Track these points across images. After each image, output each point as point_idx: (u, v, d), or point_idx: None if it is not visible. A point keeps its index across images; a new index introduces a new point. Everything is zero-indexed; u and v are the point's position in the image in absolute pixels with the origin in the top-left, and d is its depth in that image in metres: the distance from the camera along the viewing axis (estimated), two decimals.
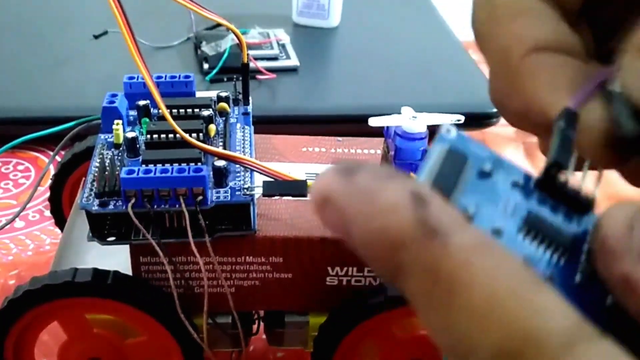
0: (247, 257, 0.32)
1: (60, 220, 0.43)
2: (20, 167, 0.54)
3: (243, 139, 0.35)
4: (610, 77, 0.15)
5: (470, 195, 0.14)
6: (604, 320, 0.13)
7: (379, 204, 0.12)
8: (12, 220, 0.37)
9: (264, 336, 0.37)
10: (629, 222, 0.14)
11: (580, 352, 0.11)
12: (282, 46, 0.65)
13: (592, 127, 0.15)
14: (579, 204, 0.15)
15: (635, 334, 0.13)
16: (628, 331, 0.13)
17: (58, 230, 0.44)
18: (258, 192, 0.31)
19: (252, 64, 0.59)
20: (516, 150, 0.59)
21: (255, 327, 0.36)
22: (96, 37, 0.63)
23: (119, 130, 0.33)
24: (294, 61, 0.63)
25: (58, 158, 0.43)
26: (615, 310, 0.14)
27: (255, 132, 0.37)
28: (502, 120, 0.56)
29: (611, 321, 0.14)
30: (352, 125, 0.52)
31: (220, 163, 0.31)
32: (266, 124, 0.48)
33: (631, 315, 0.13)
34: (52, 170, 0.44)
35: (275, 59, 0.63)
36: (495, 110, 0.55)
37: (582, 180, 0.15)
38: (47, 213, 0.44)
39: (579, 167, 0.16)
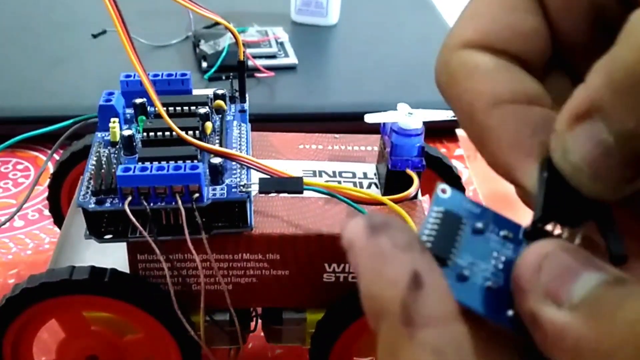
0: (244, 254, 0.32)
1: (58, 218, 0.43)
2: (19, 167, 0.54)
3: (240, 137, 0.35)
4: None
5: (465, 254, 0.15)
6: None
7: (383, 275, 0.14)
8: (10, 219, 0.37)
9: (262, 333, 0.37)
10: (538, 262, 0.14)
11: None
12: (281, 44, 0.65)
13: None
14: None
15: None
16: None
17: (57, 229, 0.44)
18: (254, 189, 0.31)
19: (250, 62, 0.60)
20: None
21: (253, 324, 0.36)
22: (95, 36, 0.63)
23: (116, 128, 0.33)
24: (292, 59, 0.63)
25: (56, 156, 0.43)
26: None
27: (254, 130, 0.37)
28: None
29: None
30: (351, 122, 0.51)
31: (216, 160, 0.31)
32: (265, 122, 0.49)
33: (539, 349, 0.14)
34: (51, 169, 0.44)
35: (273, 57, 0.63)
36: None
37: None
38: (47, 212, 0.44)
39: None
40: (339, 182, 0.35)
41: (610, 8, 0.17)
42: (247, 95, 0.38)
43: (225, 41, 0.60)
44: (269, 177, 0.31)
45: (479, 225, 0.16)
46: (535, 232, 0.16)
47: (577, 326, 0.13)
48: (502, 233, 0.16)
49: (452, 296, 0.14)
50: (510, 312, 0.15)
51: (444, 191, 0.16)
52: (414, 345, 0.13)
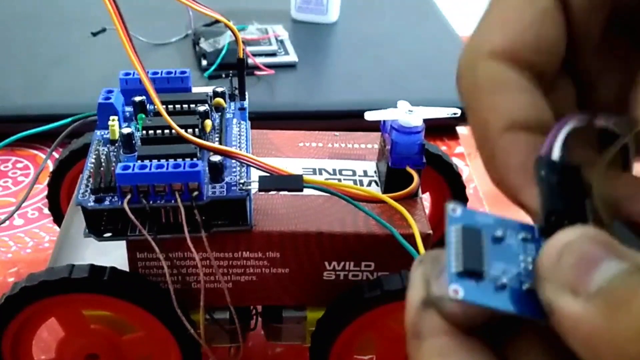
0: (244, 252, 0.32)
1: (58, 217, 0.43)
2: (19, 165, 0.54)
3: (239, 134, 0.35)
4: (572, 121, 0.17)
5: (495, 263, 0.16)
6: None
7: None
8: (9, 217, 0.37)
9: (262, 331, 0.37)
10: (559, 251, 0.14)
11: None
12: (281, 42, 0.65)
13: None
14: None
15: None
16: None
17: (57, 228, 0.44)
18: (254, 187, 0.31)
19: (250, 60, 0.59)
20: None
21: (253, 322, 0.36)
22: (94, 34, 0.63)
23: (115, 126, 0.33)
24: (292, 57, 0.63)
25: (56, 155, 0.43)
26: None
27: (254, 128, 0.37)
28: None
29: None
30: (351, 120, 0.51)
31: (216, 158, 0.31)
32: (265, 120, 0.49)
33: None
34: (50, 168, 0.44)
35: (273, 54, 0.63)
36: None
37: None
38: (46, 210, 0.44)
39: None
40: (339, 180, 0.35)
41: (626, 6, 0.17)
42: (246, 93, 0.38)
43: (225, 39, 0.60)
44: (268, 175, 0.31)
45: (499, 233, 0.16)
46: (550, 227, 0.16)
47: (592, 316, 0.13)
48: (520, 236, 0.16)
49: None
50: None
51: (454, 210, 0.16)
52: (422, 352, 0.15)
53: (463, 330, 0.15)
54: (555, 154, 0.16)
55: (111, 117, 0.33)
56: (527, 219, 0.17)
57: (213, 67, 0.59)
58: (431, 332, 0.16)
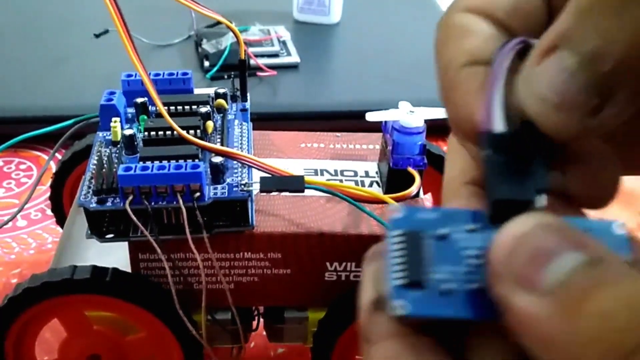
0: (246, 253, 0.32)
1: (61, 218, 0.43)
2: (22, 167, 0.54)
3: (241, 136, 0.35)
4: (505, 61, 0.16)
5: (440, 266, 0.15)
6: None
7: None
8: (12, 218, 0.37)
9: (263, 332, 0.37)
10: (511, 244, 0.13)
11: None
12: (283, 43, 0.65)
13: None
14: None
15: None
16: None
17: (59, 229, 0.44)
18: (256, 188, 0.31)
19: (252, 61, 0.60)
20: None
21: (255, 323, 0.36)
22: (97, 35, 0.63)
23: (117, 128, 0.33)
24: (294, 58, 0.63)
25: (58, 156, 0.43)
26: None
27: (256, 129, 0.37)
28: None
29: None
30: (353, 121, 0.51)
31: (218, 159, 0.31)
32: (267, 121, 0.49)
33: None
34: (53, 169, 0.44)
35: (275, 55, 0.63)
36: None
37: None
38: (49, 212, 0.45)
39: None
40: (341, 181, 0.35)
41: None
42: (248, 94, 0.38)
43: (228, 40, 0.60)
44: (270, 175, 0.31)
45: (442, 230, 0.15)
46: (499, 213, 0.15)
47: (547, 315, 0.12)
48: (467, 227, 0.15)
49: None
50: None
51: (396, 212, 0.15)
52: (370, 356, 0.15)
53: (415, 330, 0.15)
54: (498, 123, 0.15)
55: (113, 119, 0.33)
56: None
57: (215, 69, 0.59)
58: (380, 335, 0.15)
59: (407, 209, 0.15)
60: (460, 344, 0.15)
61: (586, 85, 0.14)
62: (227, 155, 0.31)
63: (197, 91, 0.37)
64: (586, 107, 0.14)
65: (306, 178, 0.31)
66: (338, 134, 0.39)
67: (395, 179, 0.34)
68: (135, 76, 0.36)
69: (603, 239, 0.14)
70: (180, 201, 0.29)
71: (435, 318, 0.14)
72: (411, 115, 0.33)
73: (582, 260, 0.13)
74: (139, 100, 0.35)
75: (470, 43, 0.16)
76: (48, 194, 0.43)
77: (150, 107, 0.35)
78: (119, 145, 0.33)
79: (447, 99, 0.17)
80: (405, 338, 0.15)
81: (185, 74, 0.36)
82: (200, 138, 0.31)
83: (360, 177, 0.36)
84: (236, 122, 0.36)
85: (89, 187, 0.31)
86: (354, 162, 0.37)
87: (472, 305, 0.14)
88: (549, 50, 0.14)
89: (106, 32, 0.63)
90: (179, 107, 0.34)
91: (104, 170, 0.30)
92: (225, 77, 0.59)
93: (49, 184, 0.43)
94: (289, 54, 0.63)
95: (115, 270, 0.31)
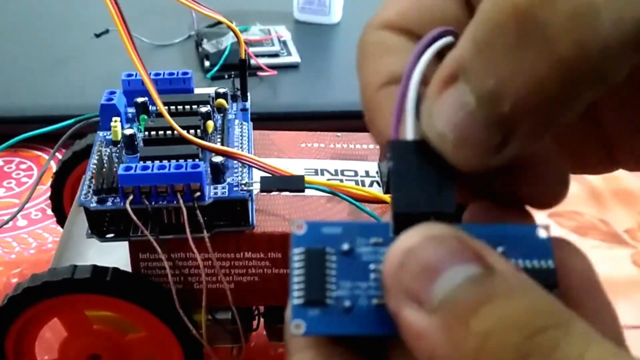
0: (246, 253, 0.32)
1: (61, 218, 0.43)
2: (22, 166, 0.54)
3: (241, 135, 0.35)
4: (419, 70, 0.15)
5: (344, 282, 0.14)
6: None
7: None
8: (13, 218, 0.37)
9: (264, 332, 0.37)
10: (400, 258, 0.13)
11: None
12: (283, 43, 0.65)
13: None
14: None
15: None
16: None
17: (60, 228, 0.44)
18: (256, 187, 0.31)
19: (253, 61, 0.59)
20: None
21: (255, 322, 0.36)
22: (97, 35, 0.63)
23: (117, 127, 0.33)
24: (295, 58, 0.63)
25: (59, 156, 0.43)
26: None
27: (256, 129, 0.37)
28: None
29: None
30: (353, 121, 0.51)
31: (218, 159, 0.31)
32: (267, 121, 0.49)
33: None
34: (53, 168, 0.44)
35: (276, 55, 0.63)
36: None
37: None
38: (49, 211, 0.45)
39: None
40: (341, 181, 0.35)
41: None
42: (248, 94, 0.38)
43: (228, 40, 0.60)
44: (270, 175, 0.31)
45: (345, 246, 0.14)
46: (402, 226, 0.14)
47: (433, 331, 0.12)
48: (372, 241, 0.15)
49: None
50: None
51: (299, 227, 0.15)
52: None
53: (333, 341, 0.14)
54: (406, 131, 0.15)
55: (114, 118, 0.33)
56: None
57: (216, 68, 0.59)
58: (296, 348, 0.15)
59: (309, 225, 0.15)
60: (384, 357, 0.15)
61: (486, 124, 0.13)
62: (227, 155, 0.31)
63: (197, 91, 0.37)
64: (488, 144, 0.13)
65: (306, 178, 0.31)
66: (338, 133, 0.39)
67: None
68: (136, 76, 0.36)
69: (524, 244, 0.14)
70: (181, 201, 0.29)
71: (334, 335, 0.14)
72: None
73: (470, 274, 0.12)
74: (140, 99, 0.35)
75: (386, 62, 0.16)
76: (48, 193, 0.43)
77: (150, 107, 0.35)
78: (119, 145, 0.33)
79: (369, 120, 0.16)
80: (319, 350, 0.14)
81: (185, 73, 0.36)
82: (201, 138, 0.31)
83: (361, 177, 0.36)
84: (236, 121, 0.36)
85: (90, 187, 0.31)
86: (355, 162, 0.37)
87: (374, 321, 0.14)
88: (449, 79, 0.14)
89: (106, 32, 0.63)
90: (180, 107, 0.34)
91: (104, 169, 0.30)
92: (226, 76, 0.59)
93: (49, 183, 0.43)
94: (289, 53, 0.63)
95: (115, 269, 0.31)
